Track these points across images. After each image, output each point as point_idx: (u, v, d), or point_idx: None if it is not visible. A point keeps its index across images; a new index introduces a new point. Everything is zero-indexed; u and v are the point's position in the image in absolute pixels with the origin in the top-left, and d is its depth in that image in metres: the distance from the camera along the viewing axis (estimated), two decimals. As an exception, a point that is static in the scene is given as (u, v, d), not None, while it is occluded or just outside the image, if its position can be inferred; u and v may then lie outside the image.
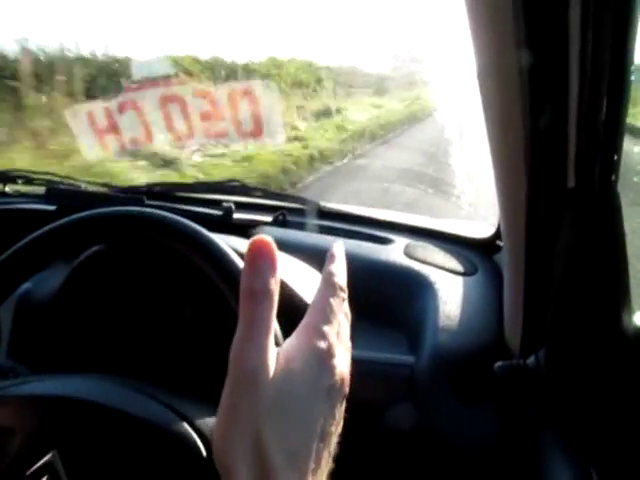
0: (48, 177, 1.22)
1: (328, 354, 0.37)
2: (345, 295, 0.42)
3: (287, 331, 0.42)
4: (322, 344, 0.37)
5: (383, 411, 0.80)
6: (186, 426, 0.58)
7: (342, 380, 0.37)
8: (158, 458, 0.57)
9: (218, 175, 4.44)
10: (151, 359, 0.87)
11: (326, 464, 0.35)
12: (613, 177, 0.50)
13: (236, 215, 1.04)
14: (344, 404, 0.38)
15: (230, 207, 1.03)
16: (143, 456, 0.58)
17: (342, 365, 0.38)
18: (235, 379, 0.34)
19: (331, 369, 0.36)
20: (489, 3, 0.46)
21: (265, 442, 0.32)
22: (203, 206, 1.10)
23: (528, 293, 0.64)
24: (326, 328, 0.38)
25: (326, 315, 0.39)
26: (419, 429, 0.78)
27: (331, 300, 0.40)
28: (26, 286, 0.96)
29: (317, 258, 0.95)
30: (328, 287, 0.40)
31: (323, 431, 0.35)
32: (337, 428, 0.37)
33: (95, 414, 0.60)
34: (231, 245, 0.64)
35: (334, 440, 0.36)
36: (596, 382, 0.58)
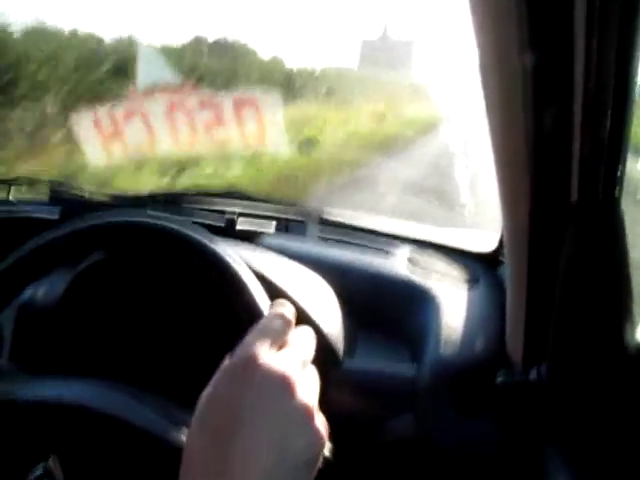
0: (52, 184, 1.23)
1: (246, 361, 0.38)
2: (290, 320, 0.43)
3: None
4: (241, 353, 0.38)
5: (384, 422, 0.80)
6: (184, 437, 0.57)
7: (285, 381, 0.37)
8: (156, 468, 0.57)
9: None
10: (153, 366, 0.87)
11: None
12: (617, 191, 0.50)
13: (239, 225, 1.04)
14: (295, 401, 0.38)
15: (233, 217, 1.03)
16: (141, 465, 0.58)
17: (280, 367, 0.38)
18: None
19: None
20: (493, 8, 0.46)
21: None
22: (206, 215, 1.10)
23: (530, 306, 0.64)
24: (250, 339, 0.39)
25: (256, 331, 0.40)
26: (419, 441, 0.77)
27: (269, 321, 0.42)
28: (29, 292, 0.96)
29: (319, 268, 0.95)
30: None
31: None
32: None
33: (94, 421, 0.60)
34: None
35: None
36: (598, 396, 0.57)
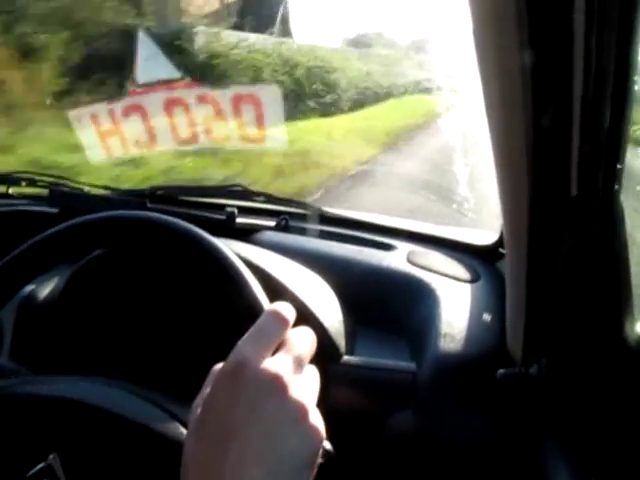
0: (51, 179, 1.23)
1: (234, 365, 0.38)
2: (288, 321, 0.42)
3: None
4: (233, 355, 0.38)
5: (384, 417, 0.80)
6: (185, 433, 0.58)
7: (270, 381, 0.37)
8: (158, 465, 0.57)
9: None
10: (152, 363, 0.87)
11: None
12: (616, 185, 0.50)
13: (239, 219, 1.04)
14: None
15: (233, 212, 1.03)
16: (142, 462, 0.58)
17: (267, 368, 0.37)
18: None
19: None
20: (493, 8, 0.46)
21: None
22: (206, 210, 1.10)
23: (530, 301, 0.64)
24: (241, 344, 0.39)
25: (250, 334, 0.40)
26: (420, 435, 0.78)
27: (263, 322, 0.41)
28: (29, 288, 0.96)
29: (319, 263, 0.95)
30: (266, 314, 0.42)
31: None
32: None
33: (95, 418, 0.60)
34: (234, 250, 0.64)
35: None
36: (597, 391, 0.57)
